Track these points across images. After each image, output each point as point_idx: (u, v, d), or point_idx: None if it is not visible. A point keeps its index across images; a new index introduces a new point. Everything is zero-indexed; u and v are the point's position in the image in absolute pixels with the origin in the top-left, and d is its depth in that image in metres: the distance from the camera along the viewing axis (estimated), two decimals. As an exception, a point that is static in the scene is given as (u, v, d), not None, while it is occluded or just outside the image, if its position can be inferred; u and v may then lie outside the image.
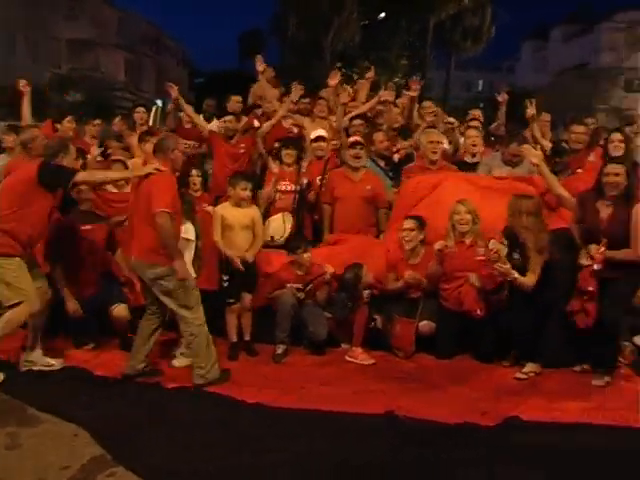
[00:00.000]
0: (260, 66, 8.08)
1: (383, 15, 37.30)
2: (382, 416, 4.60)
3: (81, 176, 5.25)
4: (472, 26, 39.97)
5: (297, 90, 7.79)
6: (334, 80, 8.19)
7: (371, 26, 37.05)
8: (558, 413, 4.75)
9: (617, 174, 5.31)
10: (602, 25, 47.15)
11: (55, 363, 5.50)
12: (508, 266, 5.37)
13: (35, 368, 5.39)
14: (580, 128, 7.01)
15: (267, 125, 7.48)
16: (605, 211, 5.38)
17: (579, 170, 6.58)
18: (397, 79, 37.56)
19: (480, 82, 58.43)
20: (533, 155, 6.02)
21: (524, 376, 5.46)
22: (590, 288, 5.27)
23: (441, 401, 4.94)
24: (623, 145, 6.33)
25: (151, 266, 5.01)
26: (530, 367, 5.51)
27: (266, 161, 7.32)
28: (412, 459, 4.04)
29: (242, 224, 5.89)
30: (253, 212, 6.18)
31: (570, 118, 8.15)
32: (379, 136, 7.26)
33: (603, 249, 5.27)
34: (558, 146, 7.07)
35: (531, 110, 7.10)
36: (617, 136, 6.40)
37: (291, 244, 6.24)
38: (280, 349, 5.87)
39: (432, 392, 5.15)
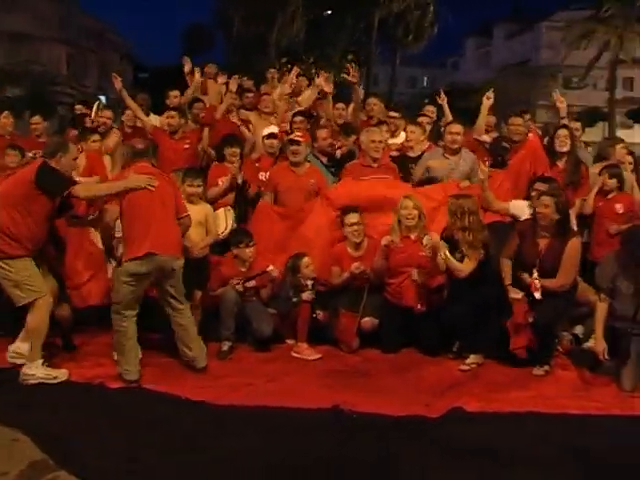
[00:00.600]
0: (187, 67, 7.95)
1: (329, 12, 37.38)
2: (328, 411, 4.61)
3: (78, 189, 5.16)
4: (415, 23, 40.37)
5: (234, 82, 7.94)
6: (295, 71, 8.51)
7: (316, 22, 37.05)
8: (499, 403, 4.85)
9: (546, 205, 5.46)
10: (542, 24, 48.20)
11: (59, 374, 5.24)
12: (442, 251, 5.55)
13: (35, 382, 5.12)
14: (518, 120, 7.31)
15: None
16: (542, 243, 5.55)
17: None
18: (343, 75, 37.76)
19: (425, 78, 59.13)
20: (482, 171, 6.16)
21: (467, 367, 5.56)
22: (528, 320, 5.40)
23: (386, 394, 4.98)
24: (568, 141, 6.50)
25: (179, 258, 5.25)
26: (472, 359, 5.61)
27: (211, 157, 7.30)
28: (357, 453, 4.07)
29: (195, 220, 5.84)
30: (206, 209, 6.22)
31: (511, 112, 8.38)
32: (322, 133, 7.28)
33: (536, 274, 5.44)
34: (499, 143, 7.23)
35: (489, 101, 7.29)
36: (563, 132, 6.57)
37: (233, 238, 6.21)
38: (225, 346, 5.84)
39: (377, 386, 5.19)
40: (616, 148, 6.88)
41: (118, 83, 7.84)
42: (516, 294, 5.45)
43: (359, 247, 6.15)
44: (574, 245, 5.48)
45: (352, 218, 6.10)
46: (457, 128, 6.78)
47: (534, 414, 4.69)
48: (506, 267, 5.63)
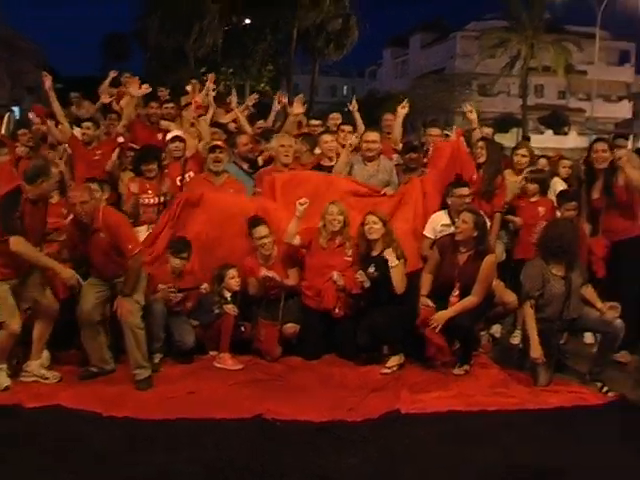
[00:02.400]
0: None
1: (247, 21, 37.38)
2: (251, 420, 4.59)
3: (14, 244, 4.96)
4: (336, 33, 40.85)
5: (134, 83, 7.77)
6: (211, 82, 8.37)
7: (235, 32, 37.00)
8: (422, 404, 4.94)
9: (465, 221, 5.64)
10: (457, 33, 49.62)
11: (50, 376, 5.28)
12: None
13: (30, 379, 5.17)
14: (436, 130, 7.51)
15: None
16: (461, 259, 5.72)
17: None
18: (263, 85, 37.86)
19: (345, 87, 59.85)
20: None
21: (388, 370, 5.63)
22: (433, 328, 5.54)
23: (309, 401, 4.99)
24: (485, 152, 6.67)
25: None
26: (393, 361, 5.69)
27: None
28: (281, 461, 4.07)
29: None
30: None
31: (429, 121, 8.59)
32: (242, 139, 7.25)
33: (457, 293, 5.62)
34: (411, 144, 7.37)
35: (403, 111, 7.40)
36: (480, 144, 6.74)
37: (174, 244, 6.08)
38: (157, 359, 5.72)
39: (300, 393, 5.19)
40: (516, 152, 7.08)
41: (48, 81, 7.46)
42: (426, 302, 5.59)
43: (269, 258, 6.12)
44: (489, 262, 5.66)
45: (260, 232, 6.03)
46: (372, 136, 6.86)
47: (455, 413, 4.80)
48: (426, 280, 5.77)
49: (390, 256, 5.74)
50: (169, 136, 7.21)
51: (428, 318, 5.52)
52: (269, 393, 5.15)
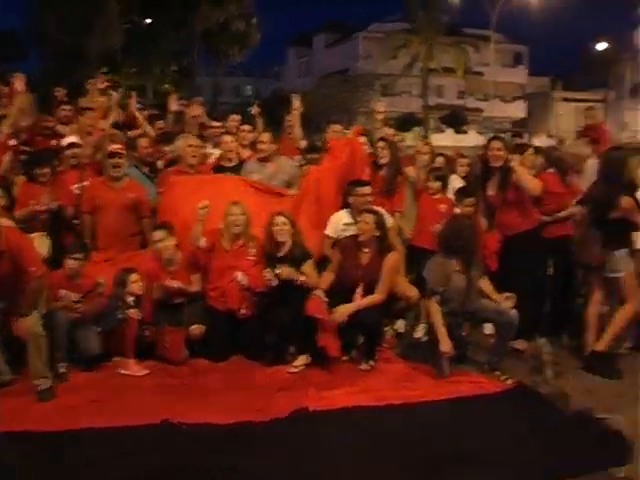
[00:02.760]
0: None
1: (149, 20, 36.65)
2: (157, 426, 4.52)
3: None
4: (238, 33, 40.68)
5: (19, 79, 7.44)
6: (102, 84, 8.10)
7: (137, 31, 36.22)
8: (329, 400, 4.99)
9: (366, 222, 5.76)
10: (359, 34, 50.38)
11: None
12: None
13: None
14: (337, 127, 7.68)
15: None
16: (364, 258, 5.82)
17: None
18: (166, 85, 37.22)
19: (249, 87, 59.64)
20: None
21: (296, 369, 5.67)
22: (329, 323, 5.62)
23: (217, 403, 4.95)
24: (387, 152, 6.80)
25: None
26: (300, 360, 5.74)
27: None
28: (191, 465, 4.04)
29: None
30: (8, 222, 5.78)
31: (332, 121, 8.71)
32: (143, 142, 7.12)
33: (361, 291, 5.72)
34: (312, 144, 7.46)
35: (296, 105, 7.46)
36: (381, 144, 6.86)
37: (69, 247, 5.90)
38: (62, 368, 5.52)
39: (207, 396, 5.14)
40: (417, 150, 7.28)
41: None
42: (319, 293, 5.64)
43: (172, 262, 6.05)
44: (391, 260, 5.80)
45: (159, 235, 5.98)
46: (263, 137, 6.96)
47: (362, 408, 4.87)
48: (326, 277, 5.85)
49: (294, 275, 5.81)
50: (65, 142, 6.98)
51: (317, 307, 5.57)
52: (175, 397, 5.08)
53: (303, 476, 4.02)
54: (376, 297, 5.71)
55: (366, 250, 5.83)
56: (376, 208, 6.17)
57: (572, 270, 6.80)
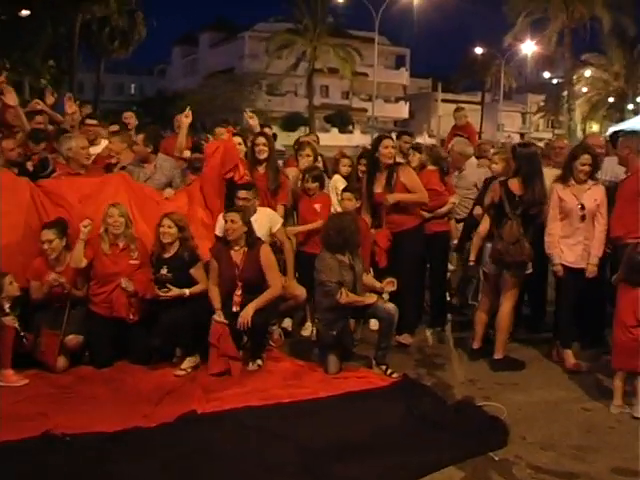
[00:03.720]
0: None
1: (25, 12, 34.95)
2: (38, 438, 4.32)
3: None
4: (120, 29, 39.61)
5: None
6: None
7: (13, 23, 34.45)
8: (218, 402, 4.95)
9: (233, 221, 5.76)
10: (245, 34, 50.29)
11: None
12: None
13: None
14: (221, 130, 7.47)
15: None
16: (237, 257, 5.81)
17: None
18: (44, 81, 35.68)
19: (132, 85, 58.25)
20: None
21: (183, 372, 5.59)
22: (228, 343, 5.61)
23: (102, 411, 4.80)
24: (266, 149, 6.78)
25: None
26: (188, 362, 5.66)
27: None
28: (71, 477, 3.92)
29: None
30: None
31: (220, 120, 8.59)
32: (9, 144, 6.76)
33: (240, 292, 5.72)
34: (196, 143, 7.37)
35: (187, 120, 7.19)
36: (261, 140, 6.82)
37: None
38: None
39: (92, 404, 4.97)
40: (300, 154, 7.29)
41: None
42: (219, 317, 5.63)
43: (58, 261, 5.83)
44: (266, 251, 5.85)
45: (44, 235, 5.73)
46: (139, 138, 6.83)
47: (251, 408, 4.85)
48: (213, 293, 5.77)
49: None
50: None
51: (221, 334, 5.57)
52: (58, 407, 4.87)
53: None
54: (272, 292, 5.74)
55: (237, 248, 5.83)
56: (262, 209, 6.22)
57: (445, 265, 7.12)
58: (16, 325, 5.46)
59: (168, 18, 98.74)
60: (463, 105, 13.54)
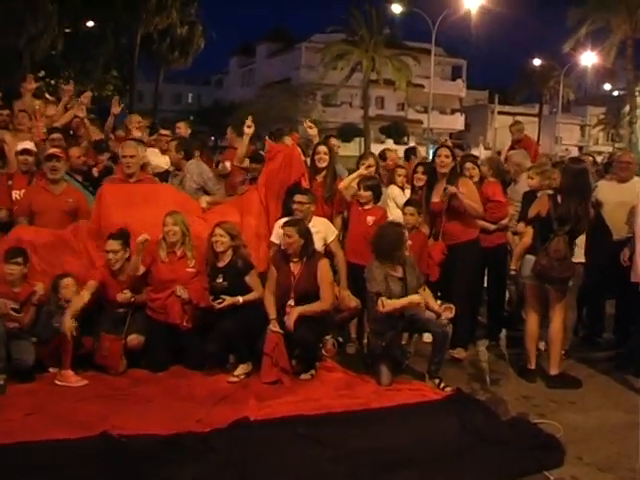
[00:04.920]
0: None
1: (89, 24, 35.99)
2: (95, 438, 4.41)
3: None
4: (180, 40, 40.41)
5: None
6: (30, 85, 7.84)
7: (76, 35, 35.51)
8: (270, 410, 4.97)
9: (289, 236, 5.78)
10: (302, 44, 50.64)
11: None
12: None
13: None
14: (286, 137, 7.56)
15: None
16: (295, 268, 5.85)
17: None
18: (108, 92, 36.62)
19: (190, 95, 59.22)
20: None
21: (236, 379, 5.63)
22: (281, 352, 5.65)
23: (156, 414, 4.88)
24: (327, 157, 6.82)
25: None
26: (241, 369, 5.71)
27: None
28: (127, 478, 3.99)
29: None
30: None
31: (275, 130, 8.66)
32: (75, 151, 7.00)
33: (292, 303, 5.76)
34: (257, 154, 7.44)
35: (250, 130, 7.21)
36: (322, 149, 6.87)
37: (7, 253, 5.72)
38: (1, 380, 5.35)
39: (147, 406, 5.07)
40: (362, 162, 7.29)
41: None
42: (275, 327, 5.66)
43: (121, 271, 5.93)
44: (324, 266, 5.87)
45: (110, 245, 5.87)
46: (171, 146, 7.13)
47: (303, 417, 4.85)
48: (269, 302, 5.82)
49: None
50: (19, 147, 6.83)
51: (277, 344, 5.60)
52: (114, 408, 4.98)
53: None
54: (321, 304, 5.76)
55: (295, 260, 5.87)
56: (317, 219, 6.25)
57: (504, 279, 6.99)
58: (74, 329, 5.58)
59: (226, 29, 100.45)
60: (520, 118, 13.35)
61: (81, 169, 6.99)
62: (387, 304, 5.53)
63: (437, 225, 6.53)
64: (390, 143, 45.41)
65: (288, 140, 7.22)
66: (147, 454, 4.26)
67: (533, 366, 6.00)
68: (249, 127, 7.18)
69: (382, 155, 8.17)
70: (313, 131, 7.34)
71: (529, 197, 6.37)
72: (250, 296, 5.87)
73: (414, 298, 5.64)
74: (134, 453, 4.27)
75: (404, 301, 5.61)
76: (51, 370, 5.73)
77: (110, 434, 4.46)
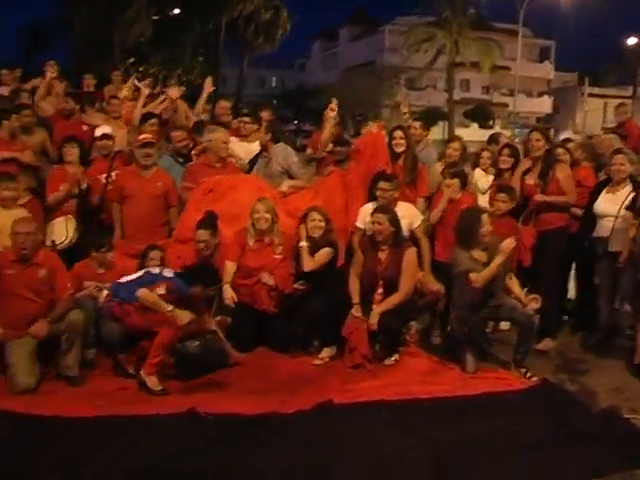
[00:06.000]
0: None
1: (175, 11, 36.79)
2: (182, 415, 4.55)
3: None
4: (265, 24, 40.71)
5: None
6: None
7: (163, 22, 36.36)
8: (354, 393, 4.99)
9: (379, 223, 5.74)
10: (386, 27, 50.09)
11: None
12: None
13: None
14: (371, 124, 7.48)
15: None
16: (382, 255, 5.82)
17: None
18: (193, 77, 37.39)
19: (274, 79, 59.64)
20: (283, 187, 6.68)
21: (320, 362, 5.68)
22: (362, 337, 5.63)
23: (241, 394, 4.99)
24: (404, 142, 6.76)
25: None
26: (325, 352, 5.74)
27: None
28: (212, 454, 4.07)
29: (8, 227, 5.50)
30: (23, 214, 5.89)
31: (358, 114, 8.63)
32: (177, 134, 7.16)
33: (381, 291, 5.73)
34: (341, 137, 7.42)
35: (333, 113, 7.14)
36: (398, 133, 6.80)
37: (95, 241, 5.91)
38: (92, 354, 5.56)
39: (232, 386, 5.18)
40: (449, 146, 7.17)
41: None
42: (357, 312, 5.67)
43: (212, 256, 6.01)
44: (411, 256, 5.81)
45: (201, 236, 5.98)
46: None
47: (386, 402, 4.86)
48: (354, 286, 5.83)
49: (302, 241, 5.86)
50: (98, 132, 7.04)
51: (356, 329, 5.60)
52: (201, 387, 5.12)
53: (325, 469, 4.00)
54: (399, 295, 5.72)
55: (384, 247, 5.83)
56: (402, 204, 6.18)
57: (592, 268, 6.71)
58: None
59: (309, 12, 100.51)
60: (612, 100, 12.81)
61: (182, 151, 7.16)
62: (478, 277, 5.42)
63: (528, 209, 6.35)
64: (475, 127, 44.57)
65: (374, 127, 7.15)
66: (232, 432, 4.35)
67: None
68: (332, 110, 7.14)
69: (493, 139, 7.88)
70: (406, 109, 7.29)
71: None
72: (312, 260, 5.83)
73: (498, 259, 5.45)
74: (220, 431, 4.37)
75: (493, 266, 5.45)
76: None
77: (197, 411, 4.58)
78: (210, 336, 5.44)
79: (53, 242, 6.30)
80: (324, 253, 5.93)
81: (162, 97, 8.29)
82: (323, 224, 5.94)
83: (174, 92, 8.07)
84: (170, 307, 5.30)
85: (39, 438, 4.25)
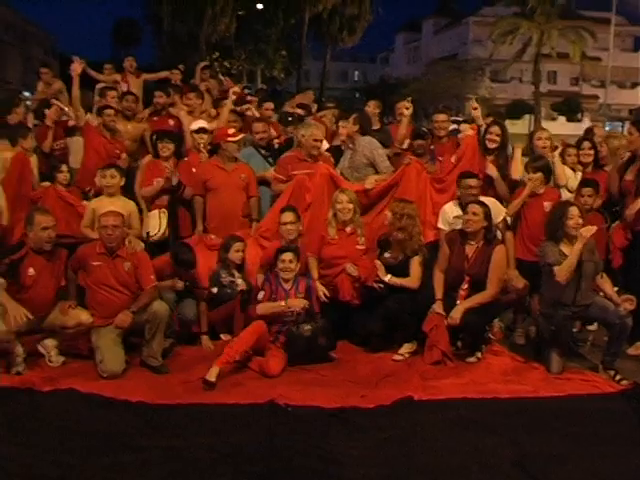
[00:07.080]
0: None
1: (259, 6, 37.27)
2: (263, 405, 4.60)
3: None
4: (349, 18, 40.71)
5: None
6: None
7: (248, 17, 36.93)
8: (435, 390, 4.94)
9: (475, 213, 5.61)
10: (470, 19, 49.25)
11: (54, 360, 5.38)
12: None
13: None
14: (442, 116, 7.21)
15: None
16: (470, 250, 5.69)
17: (440, 158, 6.92)
18: (276, 71, 37.84)
19: (356, 72, 59.66)
20: (368, 182, 6.50)
21: (401, 357, 5.63)
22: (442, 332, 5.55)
23: (322, 387, 5.01)
24: (499, 139, 6.59)
25: None
26: (406, 348, 5.69)
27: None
28: (291, 446, 4.09)
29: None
30: (129, 205, 6.22)
31: (441, 107, 8.44)
32: (259, 126, 7.24)
33: (466, 287, 5.63)
34: (419, 130, 7.30)
35: (408, 112, 7.09)
36: (495, 129, 6.62)
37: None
38: (168, 343, 5.68)
39: (313, 378, 5.22)
40: (535, 136, 6.87)
41: (80, 67, 7.56)
42: (438, 308, 5.58)
43: (294, 242, 6.04)
44: (500, 252, 5.67)
45: (285, 217, 6.08)
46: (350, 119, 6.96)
47: (468, 400, 4.78)
48: (438, 280, 5.74)
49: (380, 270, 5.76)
50: (195, 126, 7.20)
51: (436, 325, 5.52)
52: (281, 378, 5.18)
53: (405, 465, 3.95)
54: (488, 293, 5.59)
55: (472, 242, 5.71)
56: (484, 199, 6.02)
57: None
58: (244, 287, 5.86)
59: (391, 4, 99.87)
60: None
61: (261, 144, 7.25)
62: (560, 270, 5.25)
63: (624, 206, 6.09)
64: (562, 120, 43.24)
65: (469, 130, 6.98)
66: (312, 424, 4.36)
67: None
68: (407, 109, 7.09)
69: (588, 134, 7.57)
70: (477, 112, 7.08)
71: None
72: (401, 281, 5.77)
73: (577, 245, 5.24)
74: (299, 423, 4.38)
75: (573, 254, 5.25)
76: (222, 337, 6.01)
77: (277, 403, 4.62)
78: (321, 322, 5.58)
79: (147, 234, 6.54)
80: (417, 265, 5.83)
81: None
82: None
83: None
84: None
85: (119, 422, 4.37)
